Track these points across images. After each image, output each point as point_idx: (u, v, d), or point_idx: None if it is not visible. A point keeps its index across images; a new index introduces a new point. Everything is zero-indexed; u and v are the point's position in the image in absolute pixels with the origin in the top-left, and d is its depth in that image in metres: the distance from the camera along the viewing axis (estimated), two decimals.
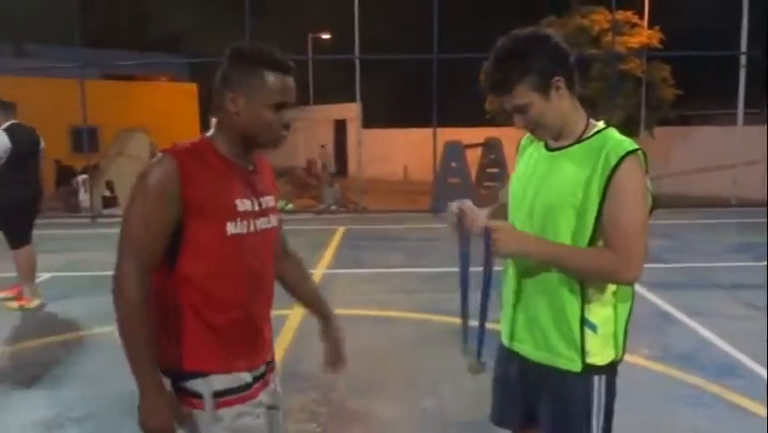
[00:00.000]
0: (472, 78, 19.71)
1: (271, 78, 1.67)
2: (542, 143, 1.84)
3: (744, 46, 12.93)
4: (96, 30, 22.44)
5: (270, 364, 1.86)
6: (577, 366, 1.75)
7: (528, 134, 1.89)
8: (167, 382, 1.68)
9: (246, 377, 1.72)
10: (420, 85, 14.05)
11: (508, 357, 1.92)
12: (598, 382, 1.76)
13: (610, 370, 1.78)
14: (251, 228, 1.72)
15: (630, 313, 1.81)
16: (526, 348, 1.85)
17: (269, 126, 1.69)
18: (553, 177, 1.74)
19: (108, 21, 27.11)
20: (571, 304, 1.74)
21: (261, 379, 1.80)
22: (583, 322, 1.74)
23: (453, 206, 1.89)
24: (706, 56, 14.94)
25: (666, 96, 17.05)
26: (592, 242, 1.70)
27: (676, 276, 6.87)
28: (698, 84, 17.98)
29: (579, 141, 1.74)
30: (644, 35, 16.63)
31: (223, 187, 1.67)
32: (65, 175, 16.21)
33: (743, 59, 13.03)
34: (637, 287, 5.89)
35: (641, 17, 17.30)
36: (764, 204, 12.31)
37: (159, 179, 1.60)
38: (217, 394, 1.66)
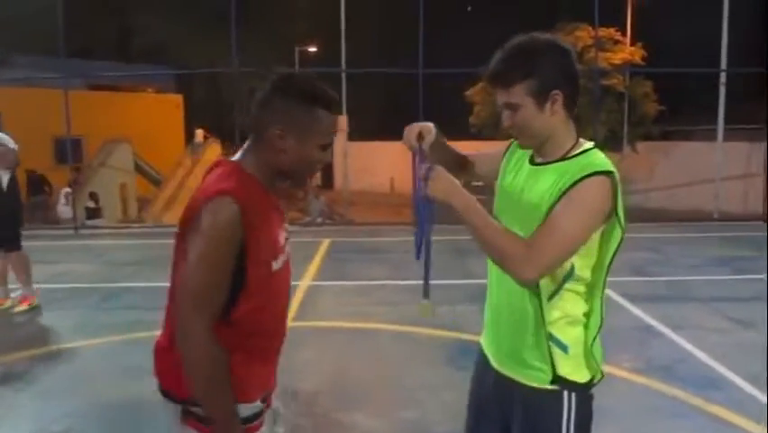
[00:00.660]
0: (457, 92, 19.83)
1: (325, 118, 1.62)
2: (528, 156, 1.81)
3: (724, 63, 13.16)
4: (82, 41, 22.38)
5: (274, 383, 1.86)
6: (546, 380, 1.71)
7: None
8: (177, 409, 1.66)
9: (260, 404, 1.71)
10: (406, 98, 14.15)
11: (485, 370, 1.89)
12: (569, 400, 1.71)
13: (583, 388, 1.73)
14: (284, 259, 1.71)
15: (599, 331, 1.74)
16: (500, 362, 1.82)
17: (313, 166, 1.66)
18: (530, 191, 1.72)
19: (94, 32, 27.00)
20: (536, 321, 1.71)
21: (266, 399, 1.79)
22: (549, 339, 1.70)
23: (415, 127, 1.85)
24: (686, 72, 15.18)
25: (648, 112, 17.32)
26: None
27: (659, 289, 6.93)
28: (679, 100, 18.26)
29: (562, 159, 1.70)
30: (627, 52, 16.92)
31: (269, 225, 1.64)
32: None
33: (723, 77, 13.25)
34: (620, 300, 5.93)
35: (623, 34, 17.58)
36: (745, 218, 12.50)
37: (225, 225, 1.51)
38: None
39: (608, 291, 7.09)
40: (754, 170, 14.51)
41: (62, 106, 11.93)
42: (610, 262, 1.71)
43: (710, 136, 14.87)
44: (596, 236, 1.66)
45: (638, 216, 14.11)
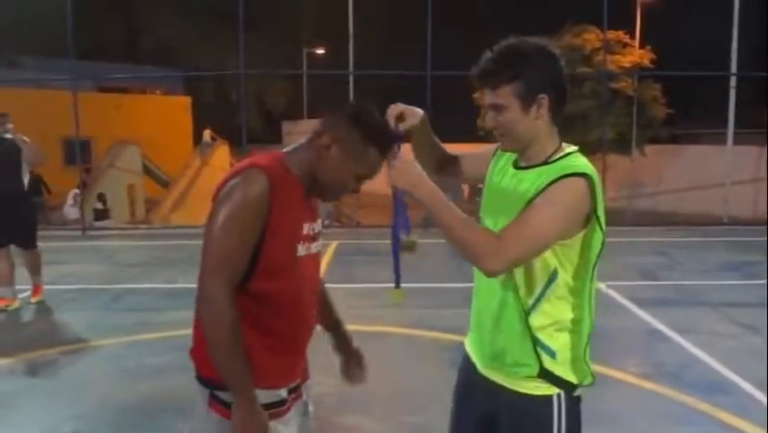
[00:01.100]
0: (466, 94, 19.86)
1: (374, 155, 1.70)
2: (512, 159, 1.80)
3: (734, 67, 13.08)
4: (91, 43, 22.49)
5: (305, 375, 1.89)
6: (532, 373, 1.70)
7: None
8: (205, 392, 1.71)
9: (283, 393, 1.75)
10: (414, 101, 14.14)
11: (471, 373, 1.89)
12: (558, 405, 1.70)
13: (571, 388, 1.72)
14: (309, 252, 1.76)
15: (589, 336, 1.74)
16: (485, 366, 1.81)
17: (343, 188, 1.75)
18: (512, 194, 1.72)
19: (103, 34, 27.14)
20: (521, 327, 1.69)
21: (296, 391, 1.83)
22: (536, 344, 1.68)
23: (399, 107, 1.82)
24: (696, 76, 15.11)
25: (657, 115, 17.24)
26: None
27: (667, 293, 6.89)
28: (688, 103, 18.16)
29: (544, 163, 1.70)
30: (636, 55, 16.85)
31: (296, 210, 1.70)
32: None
33: (733, 80, 13.18)
34: (628, 303, 5.87)
35: (632, 37, 17.51)
36: (754, 222, 12.41)
37: (254, 195, 1.59)
38: None
39: (616, 295, 7.01)
40: (763, 175, 14.40)
41: (71, 108, 11.99)
42: (594, 267, 1.70)
43: (719, 140, 14.77)
44: (577, 240, 1.65)
45: (646, 219, 14.06)
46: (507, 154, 1.83)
